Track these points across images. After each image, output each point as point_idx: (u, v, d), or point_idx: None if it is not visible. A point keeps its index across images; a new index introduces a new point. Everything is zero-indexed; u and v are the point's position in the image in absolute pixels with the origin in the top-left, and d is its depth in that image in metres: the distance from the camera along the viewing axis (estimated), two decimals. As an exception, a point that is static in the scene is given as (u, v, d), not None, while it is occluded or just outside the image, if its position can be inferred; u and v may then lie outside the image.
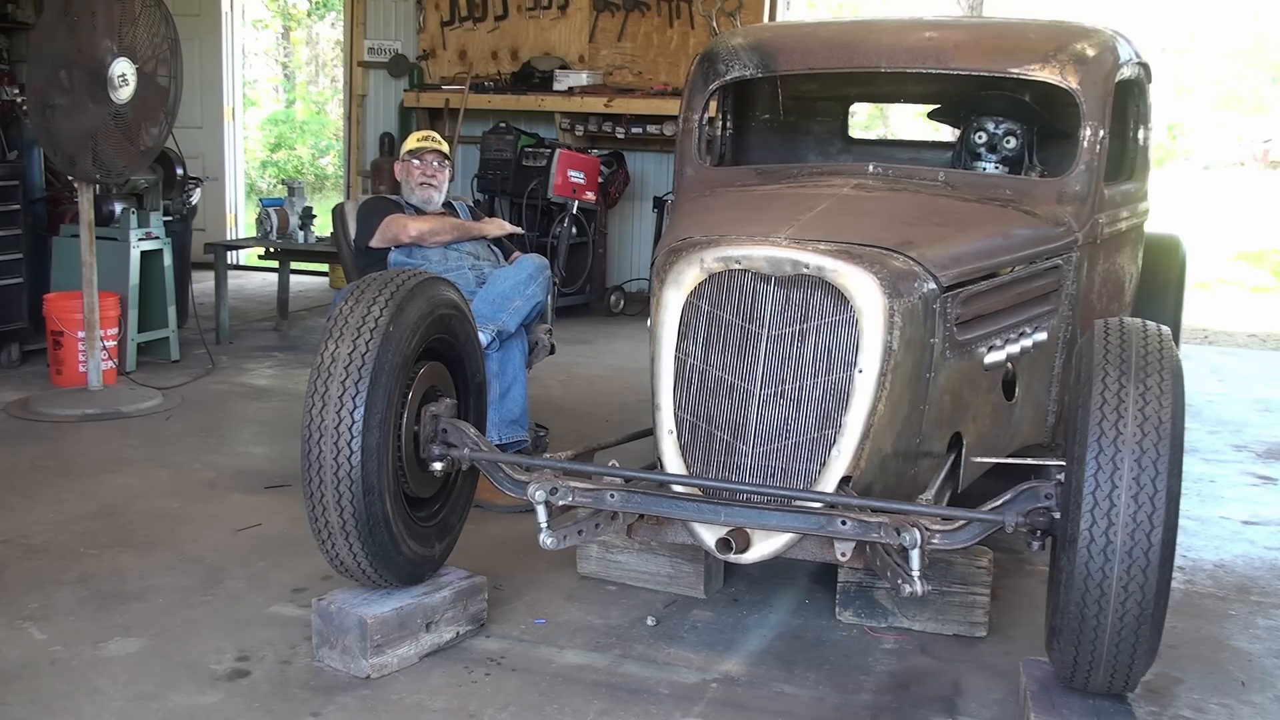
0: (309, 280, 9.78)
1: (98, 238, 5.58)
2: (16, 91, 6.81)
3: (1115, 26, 4.11)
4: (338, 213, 5.03)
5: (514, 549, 3.81)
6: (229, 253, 8.22)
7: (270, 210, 7.38)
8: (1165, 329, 2.64)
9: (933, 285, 2.92)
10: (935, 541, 2.64)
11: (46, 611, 3.28)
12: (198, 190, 7.61)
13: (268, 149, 18.25)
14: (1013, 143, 4.16)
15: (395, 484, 2.92)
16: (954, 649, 3.24)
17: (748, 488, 2.76)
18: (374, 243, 4.66)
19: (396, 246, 4.65)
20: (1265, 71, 25.00)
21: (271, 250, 7.58)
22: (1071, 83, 3.63)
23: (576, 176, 8.15)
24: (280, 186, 12.77)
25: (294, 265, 8.25)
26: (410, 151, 4.88)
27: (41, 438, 5.08)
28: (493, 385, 4.33)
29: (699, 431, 2.85)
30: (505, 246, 5.02)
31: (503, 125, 8.68)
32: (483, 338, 4.24)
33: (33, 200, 6.47)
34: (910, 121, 14.11)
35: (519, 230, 4.89)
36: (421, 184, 4.82)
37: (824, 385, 2.77)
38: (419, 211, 4.79)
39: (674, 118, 6.69)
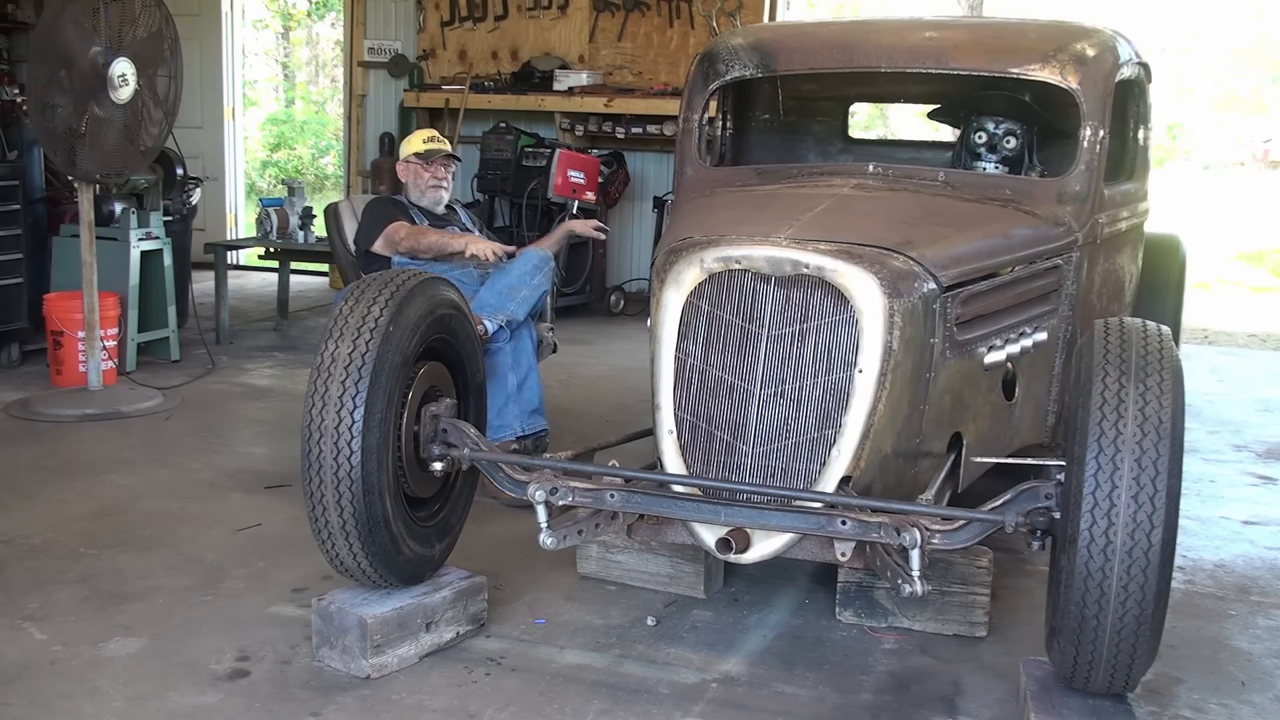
0: (309, 280, 9.78)
1: (98, 238, 5.57)
2: (16, 91, 6.82)
3: (1115, 26, 4.11)
4: (331, 213, 5.02)
5: (514, 549, 3.81)
6: (229, 253, 8.22)
7: (270, 210, 7.38)
8: (1165, 329, 2.64)
9: (933, 285, 2.92)
10: (935, 541, 2.64)
11: (46, 611, 3.28)
12: (198, 190, 7.60)
13: (268, 149, 18.25)
14: (1013, 143, 4.16)
15: (395, 484, 2.92)
16: (954, 649, 3.24)
17: (748, 488, 2.76)
18: (376, 249, 4.64)
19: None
20: (1265, 71, 25.01)
21: (271, 250, 7.58)
22: (1071, 83, 3.63)
23: (576, 176, 8.16)
24: (280, 186, 12.77)
25: (294, 265, 8.25)
26: (419, 154, 4.81)
27: (41, 438, 5.08)
28: (508, 378, 4.33)
29: (699, 431, 2.85)
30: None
31: (503, 125, 8.67)
32: (491, 326, 4.24)
33: (33, 200, 6.46)
34: (910, 121, 14.12)
35: (509, 249, 4.55)
36: (432, 187, 4.80)
37: (824, 385, 2.77)
38: (426, 213, 4.77)
39: (674, 118, 6.69)
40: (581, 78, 8.90)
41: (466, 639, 3.17)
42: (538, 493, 2.79)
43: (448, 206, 4.91)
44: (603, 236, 5.14)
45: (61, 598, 3.38)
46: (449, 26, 9.52)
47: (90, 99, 5.26)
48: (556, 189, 8.05)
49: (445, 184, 4.82)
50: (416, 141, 4.88)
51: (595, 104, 8.73)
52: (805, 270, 2.78)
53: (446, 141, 4.96)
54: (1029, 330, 3.37)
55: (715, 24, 8.63)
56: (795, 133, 5.07)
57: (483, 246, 4.51)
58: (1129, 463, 2.36)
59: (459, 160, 4.94)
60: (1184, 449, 2.42)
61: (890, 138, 12.32)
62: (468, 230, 4.87)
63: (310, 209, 7.46)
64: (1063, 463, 2.55)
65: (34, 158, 6.46)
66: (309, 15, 19.56)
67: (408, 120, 9.49)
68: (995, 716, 2.89)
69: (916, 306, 2.84)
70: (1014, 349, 3.27)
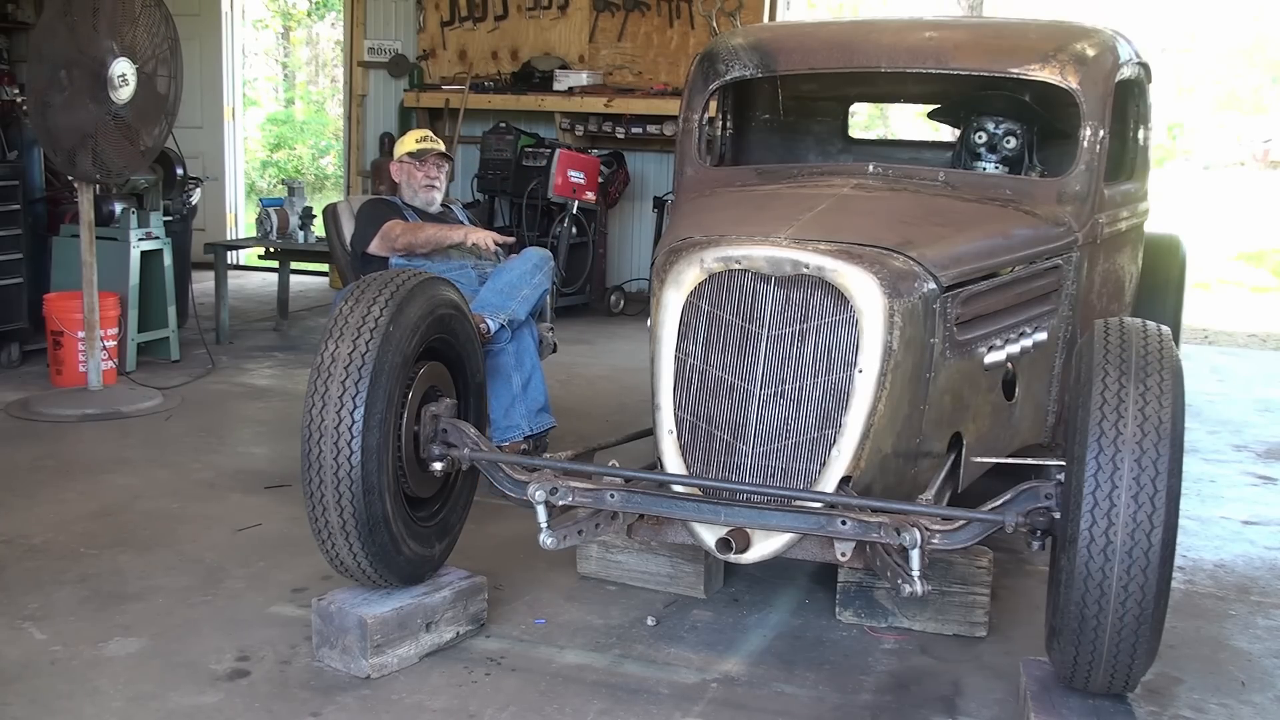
0: (309, 280, 9.78)
1: (98, 238, 5.57)
2: (16, 91, 6.82)
3: (1115, 26, 4.11)
4: (330, 213, 5.02)
5: (514, 549, 3.81)
6: (229, 253, 8.22)
7: (270, 210, 7.38)
8: (1165, 329, 2.64)
9: (933, 285, 2.92)
10: (935, 541, 2.64)
11: (46, 611, 3.28)
12: (198, 190, 7.61)
13: (268, 149, 18.24)
14: (1013, 143, 4.16)
15: (395, 484, 2.92)
16: (954, 649, 3.24)
17: (748, 488, 2.76)
18: (371, 250, 4.64)
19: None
20: (1265, 71, 25.02)
21: (271, 250, 7.58)
22: (1071, 83, 3.63)
23: (576, 176, 8.16)
24: (280, 186, 12.77)
25: (294, 265, 8.25)
26: (411, 153, 4.82)
27: (41, 438, 5.08)
28: (514, 378, 4.35)
29: (699, 431, 2.85)
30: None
31: (503, 125, 8.68)
32: (493, 325, 4.24)
33: (33, 200, 6.46)
34: (910, 121, 14.12)
35: (508, 240, 4.64)
36: (425, 186, 4.80)
37: (824, 385, 2.77)
38: (420, 213, 4.78)
39: (674, 118, 6.69)
40: (581, 78, 8.90)
41: (466, 639, 3.17)
42: (538, 493, 2.79)
43: (442, 205, 4.91)
44: (490, 254, 4.67)
45: (61, 598, 3.38)
46: (449, 26, 9.52)
47: (90, 99, 5.25)
48: (556, 189, 8.05)
49: (438, 183, 4.83)
50: (409, 142, 4.89)
51: (595, 104, 8.73)
52: (805, 270, 2.78)
53: (440, 141, 4.96)
54: (1029, 330, 3.37)
55: (715, 24, 8.63)
56: (795, 133, 5.07)
57: (482, 235, 4.53)
58: (1129, 463, 2.36)
59: (451, 159, 4.93)
60: (1184, 449, 2.42)
61: (890, 138, 12.32)
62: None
63: (310, 209, 7.45)
64: (1063, 463, 2.55)
65: (34, 158, 6.46)
66: (309, 15, 19.56)
67: (408, 120, 9.48)
68: (995, 716, 2.89)
69: (916, 306, 2.84)
70: (1014, 349, 3.27)
